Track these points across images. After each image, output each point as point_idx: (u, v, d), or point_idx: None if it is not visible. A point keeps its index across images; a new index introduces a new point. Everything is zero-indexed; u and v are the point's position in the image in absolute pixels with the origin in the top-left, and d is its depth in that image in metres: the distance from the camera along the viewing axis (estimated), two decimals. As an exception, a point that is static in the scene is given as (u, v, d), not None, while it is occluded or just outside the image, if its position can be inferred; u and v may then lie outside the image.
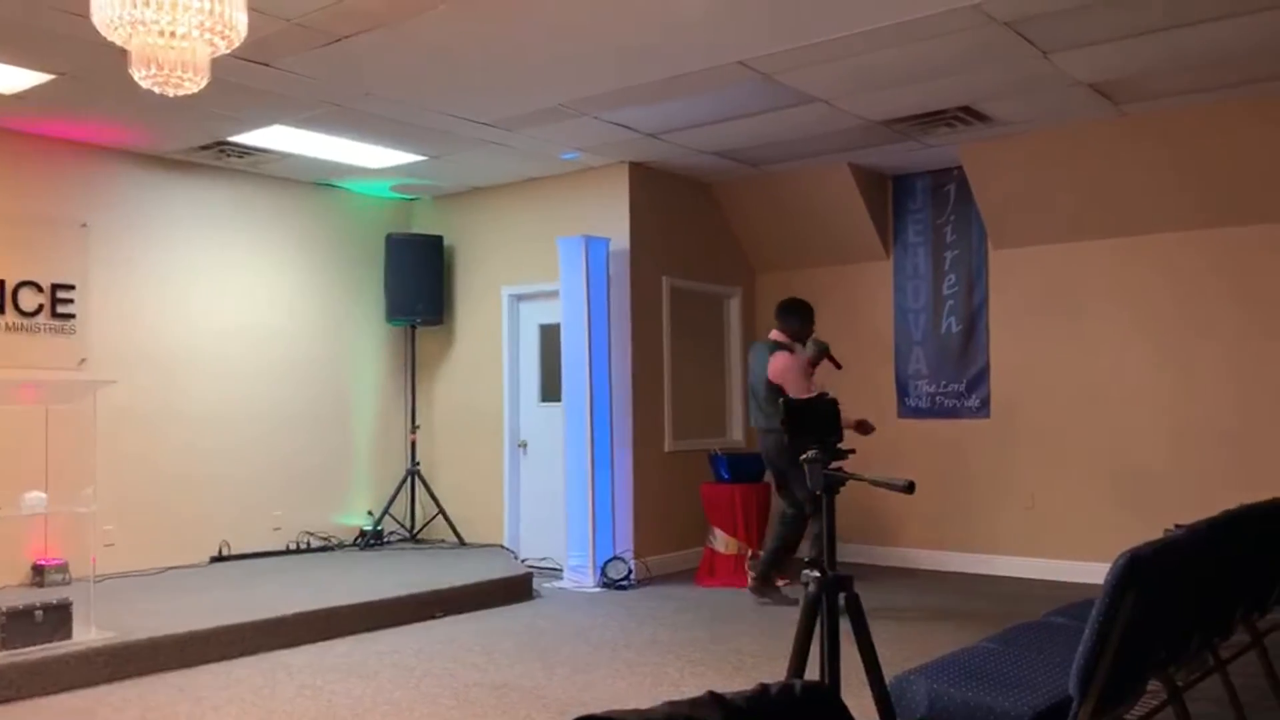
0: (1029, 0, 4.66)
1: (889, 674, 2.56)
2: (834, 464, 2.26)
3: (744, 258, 8.80)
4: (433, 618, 6.17)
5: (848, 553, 8.00)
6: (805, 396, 5.78)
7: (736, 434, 8.61)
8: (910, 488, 2.23)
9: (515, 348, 8.35)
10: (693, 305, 8.26)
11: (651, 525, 7.63)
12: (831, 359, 6.59)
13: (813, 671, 2.34)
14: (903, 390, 8.13)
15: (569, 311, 7.44)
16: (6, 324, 6.50)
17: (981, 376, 7.81)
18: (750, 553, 7.19)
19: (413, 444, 8.56)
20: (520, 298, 8.34)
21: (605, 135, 6.87)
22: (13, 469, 6.02)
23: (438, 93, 5.97)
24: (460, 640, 5.67)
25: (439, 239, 8.53)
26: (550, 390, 8.05)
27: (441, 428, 8.69)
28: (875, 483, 2.29)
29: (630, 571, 7.23)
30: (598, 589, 7.10)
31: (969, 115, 6.48)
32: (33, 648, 4.68)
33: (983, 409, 7.78)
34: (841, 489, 2.28)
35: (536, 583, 7.04)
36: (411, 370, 8.73)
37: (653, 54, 5.35)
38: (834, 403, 2.17)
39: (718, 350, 8.60)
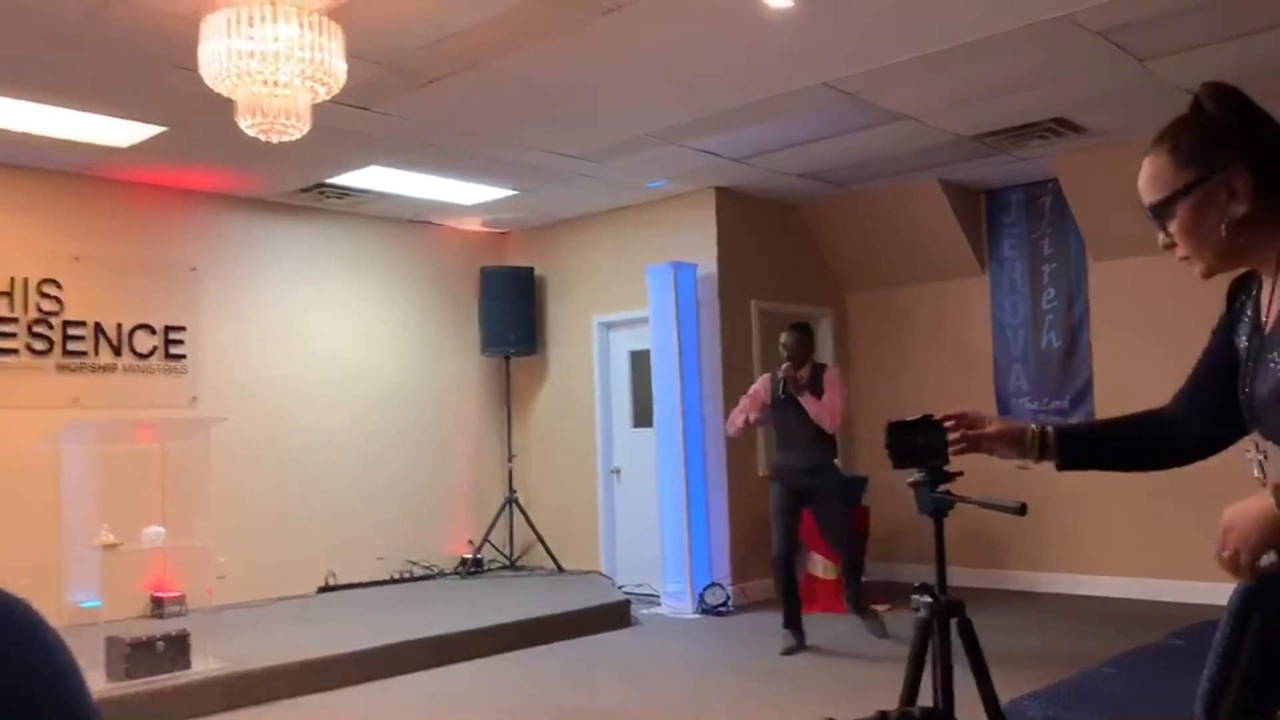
0: (1121, 8, 4.57)
1: (1003, 699, 2.50)
2: (941, 486, 2.23)
3: (833, 278, 8.74)
4: (533, 644, 6.21)
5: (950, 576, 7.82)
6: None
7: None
8: (1022, 509, 2.18)
9: (607, 375, 8.42)
10: (782, 327, 8.19)
11: (748, 550, 7.58)
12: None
13: (923, 698, 2.30)
14: (1004, 409, 7.95)
15: (659, 338, 7.47)
16: (124, 366, 6.80)
17: (1085, 392, 7.60)
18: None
19: (510, 472, 8.67)
20: (610, 326, 8.41)
21: (691, 162, 6.91)
22: (133, 505, 6.27)
23: (527, 128, 6.09)
24: (562, 667, 5.70)
25: (530, 270, 8.66)
26: (642, 416, 8.08)
27: (537, 456, 8.78)
28: (985, 505, 2.24)
29: (728, 598, 7.19)
30: (696, 615, 7.07)
31: (1062, 126, 6.35)
32: (155, 677, 4.85)
33: (1087, 425, 7.56)
34: (950, 512, 2.24)
35: (634, 609, 7.05)
36: (507, 400, 8.86)
37: (737, 80, 5.38)
38: (940, 424, 2.13)
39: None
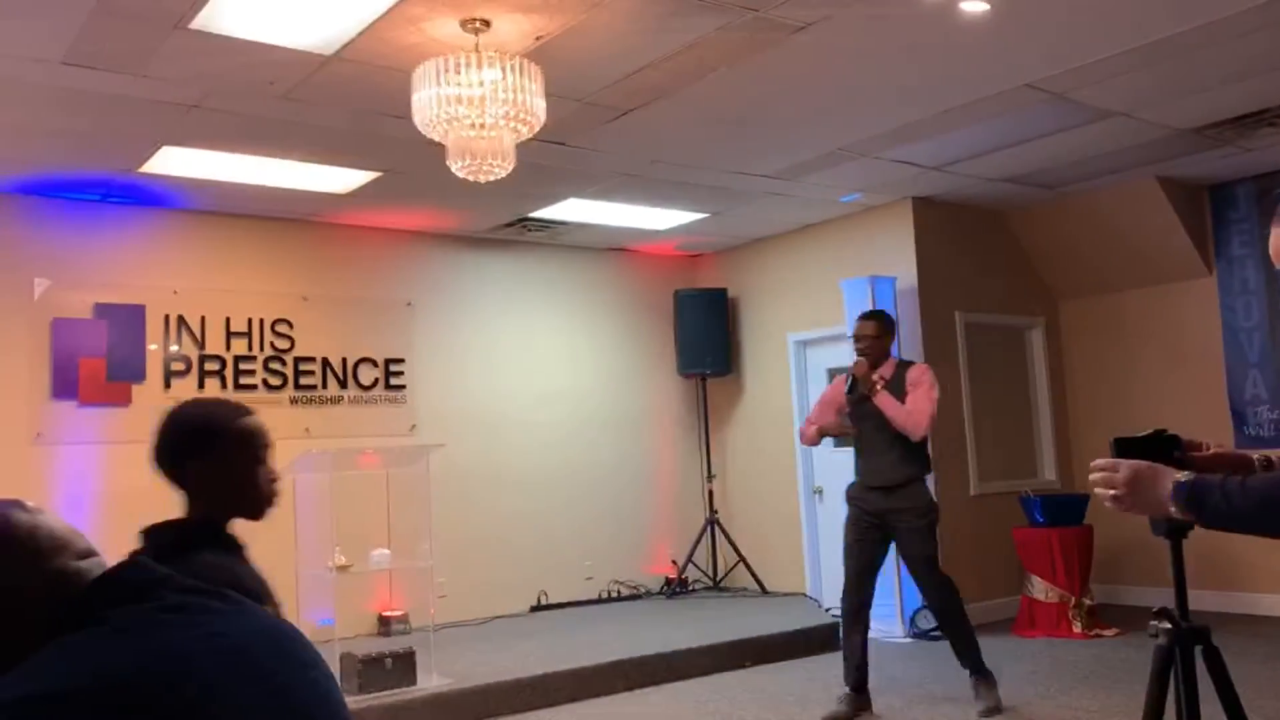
0: (1365, -23, 4.18)
1: (1259, 738, 2.30)
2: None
3: (1044, 286, 8.34)
4: (742, 667, 6.20)
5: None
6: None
7: (1048, 474, 8.10)
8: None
9: (804, 393, 8.32)
10: (990, 340, 7.91)
11: (961, 572, 7.24)
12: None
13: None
14: (1239, 418, 7.35)
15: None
16: (349, 397, 7.27)
17: (1335, 398, 6.93)
18: (1074, 600, 6.71)
19: (710, 493, 8.70)
20: (806, 343, 8.32)
21: (886, 173, 6.78)
22: (360, 529, 6.67)
23: (719, 152, 6.14)
24: (772, 690, 5.66)
25: (723, 291, 8.69)
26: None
27: (736, 476, 8.78)
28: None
29: (941, 620, 6.93)
30: (907, 639, 6.86)
31: (1297, 110, 5.85)
32: (383, 692, 5.13)
33: (1340, 435, 6.89)
34: (1190, 532, 2.09)
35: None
36: (704, 420, 8.91)
37: (933, 88, 5.24)
38: (1174, 439, 1.99)
39: (1021, 385, 8.16)
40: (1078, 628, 6.72)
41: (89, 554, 1.25)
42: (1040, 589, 6.92)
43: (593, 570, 8.16)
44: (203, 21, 4.05)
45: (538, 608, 7.82)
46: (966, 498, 7.48)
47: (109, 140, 5.41)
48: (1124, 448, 2.08)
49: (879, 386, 5.01)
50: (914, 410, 4.95)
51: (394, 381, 7.47)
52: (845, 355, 7.49)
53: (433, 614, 5.85)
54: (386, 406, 7.41)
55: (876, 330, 5.16)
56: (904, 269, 7.46)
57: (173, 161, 5.77)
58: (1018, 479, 7.81)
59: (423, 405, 7.57)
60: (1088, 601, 6.81)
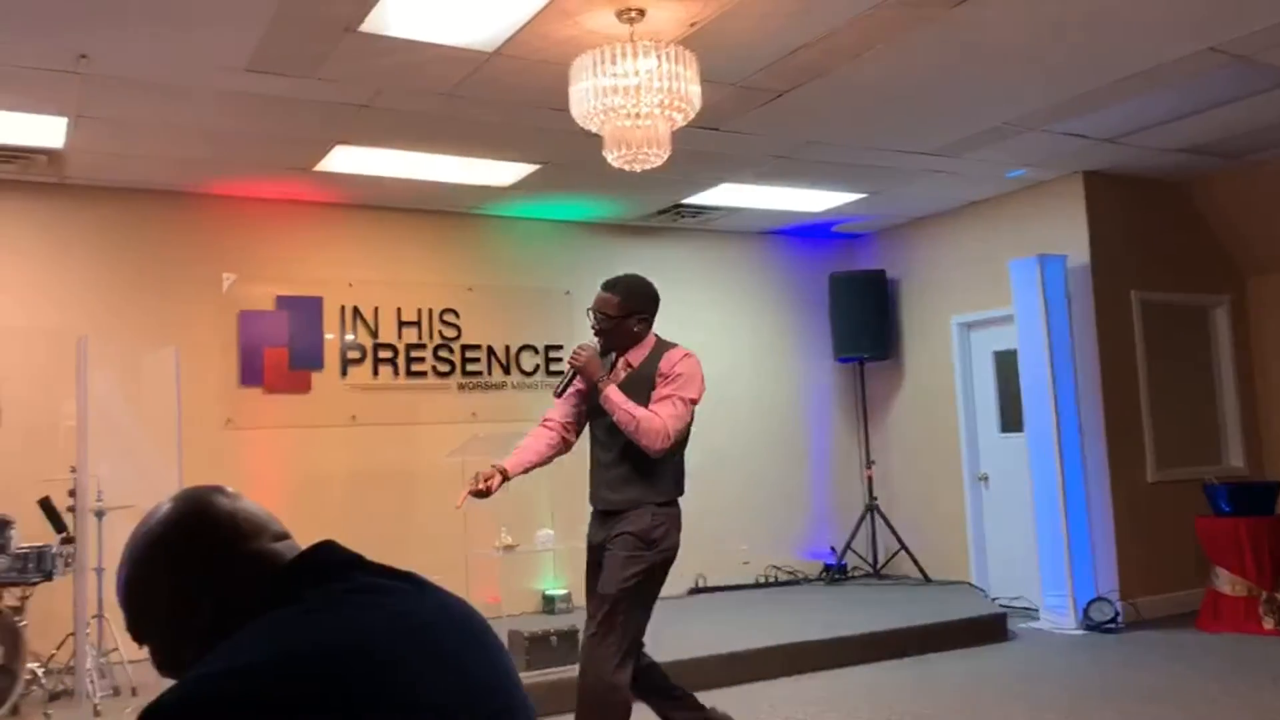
0: None
1: None
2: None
3: (1231, 261, 7.83)
4: (903, 656, 6.09)
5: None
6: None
7: (1235, 460, 7.62)
8: None
9: (969, 378, 8.08)
10: (1169, 319, 7.47)
11: (1138, 563, 6.96)
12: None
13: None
14: None
15: (1026, 336, 7.06)
16: (512, 383, 7.50)
17: None
18: (1265, 594, 6.31)
19: (869, 479, 8.56)
20: (971, 326, 8.07)
21: (1055, 147, 6.49)
22: (526, 510, 6.87)
23: (877, 130, 6.01)
24: (935, 680, 5.54)
25: (881, 273, 8.51)
26: (1010, 420, 7.67)
27: (897, 462, 8.60)
28: None
29: (1117, 613, 6.64)
30: (1080, 631, 6.59)
31: None
32: (549, 670, 5.28)
33: None
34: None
35: (1010, 623, 6.70)
36: (863, 406, 8.76)
37: (1106, 56, 4.99)
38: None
39: (1204, 367, 7.69)
40: (1268, 624, 6.32)
41: (283, 536, 1.34)
42: (1226, 582, 6.53)
43: (750, 555, 8.16)
44: (372, 24, 4.23)
45: (695, 590, 7.88)
46: (1143, 484, 7.11)
47: (287, 141, 5.72)
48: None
49: (605, 379, 3.69)
50: (646, 418, 3.57)
51: (554, 367, 7.64)
52: (1012, 338, 7.25)
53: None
54: (547, 391, 7.55)
55: (619, 308, 3.77)
56: (1074, 247, 7.13)
57: (346, 160, 6.06)
58: (1200, 465, 7.37)
59: (582, 391, 7.72)
60: (1280, 597, 6.39)
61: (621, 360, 3.78)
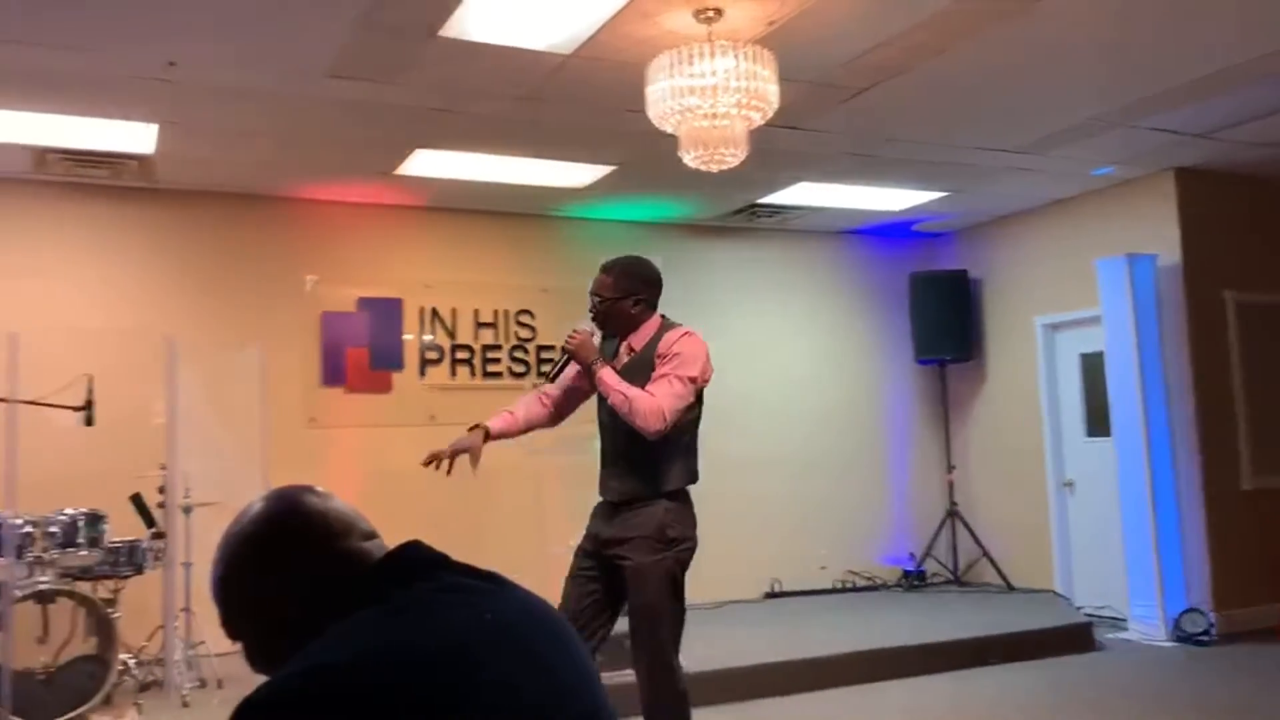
0: None
1: None
2: None
3: (1331, 260, 7.51)
4: (986, 663, 5.96)
5: None
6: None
7: (1337, 467, 7.31)
8: None
9: (1053, 381, 7.88)
10: (1266, 321, 7.19)
11: (1233, 574, 6.71)
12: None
13: None
14: None
15: (1114, 338, 6.86)
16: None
17: None
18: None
19: (950, 484, 8.40)
20: (1056, 327, 7.87)
21: (1144, 143, 6.29)
22: (598, 511, 6.88)
23: (958, 127, 5.89)
24: (1019, 690, 5.41)
25: (963, 273, 8.35)
26: (1097, 424, 7.45)
27: (979, 467, 8.43)
28: None
29: (1210, 625, 6.40)
30: (1170, 643, 6.38)
31: None
32: (620, 671, 5.25)
33: None
34: None
35: (1097, 633, 6.51)
36: (944, 408, 8.60)
37: (1200, 47, 4.81)
38: None
39: (1304, 370, 7.39)
40: (1375, 640, 6.05)
41: (372, 535, 1.35)
42: (1328, 595, 6.26)
43: (827, 560, 8.06)
44: (452, 29, 4.27)
45: (771, 595, 7.81)
46: (1238, 492, 6.86)
47: (369, 145, 5.81)
48: None
49: (599, 361, 3.53)
50: (639, 397, 3.38)
51: (629, 369, 7.65)
52: (1099, 340, 7.05)
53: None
54: (622, 393, 7.59)
55: (613, 289, 3.62)
56: (1165, 246, 6.91)
57: (425, 163, 6.13)
58: (1301, 474, 7.09)
59: (656, 392, 7.70)
60: None
61: (624, 345, 3.65)
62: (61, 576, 4.96)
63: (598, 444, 3.77)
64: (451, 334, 7.19)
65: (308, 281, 6.84)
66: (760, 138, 5.55)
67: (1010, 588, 7.83)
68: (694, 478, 3.66)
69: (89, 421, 4.94)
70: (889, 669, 5.74)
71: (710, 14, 4.17)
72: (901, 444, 8.57)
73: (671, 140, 4.42)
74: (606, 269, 3.69)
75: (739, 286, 8.13)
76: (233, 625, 1.32)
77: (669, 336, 3.55)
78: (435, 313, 7.16)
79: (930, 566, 8.21)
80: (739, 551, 7.78)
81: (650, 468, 3.48)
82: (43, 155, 5.74)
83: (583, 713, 1.23)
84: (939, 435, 8.62)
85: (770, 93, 4.11)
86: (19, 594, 4.75)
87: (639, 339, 3.61)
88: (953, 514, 8.27)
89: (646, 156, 6.04)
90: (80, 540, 5.03)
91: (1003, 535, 8.08)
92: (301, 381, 6.74)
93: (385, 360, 6.99)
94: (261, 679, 1.18)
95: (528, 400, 3.80)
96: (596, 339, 3.61)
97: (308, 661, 1.13)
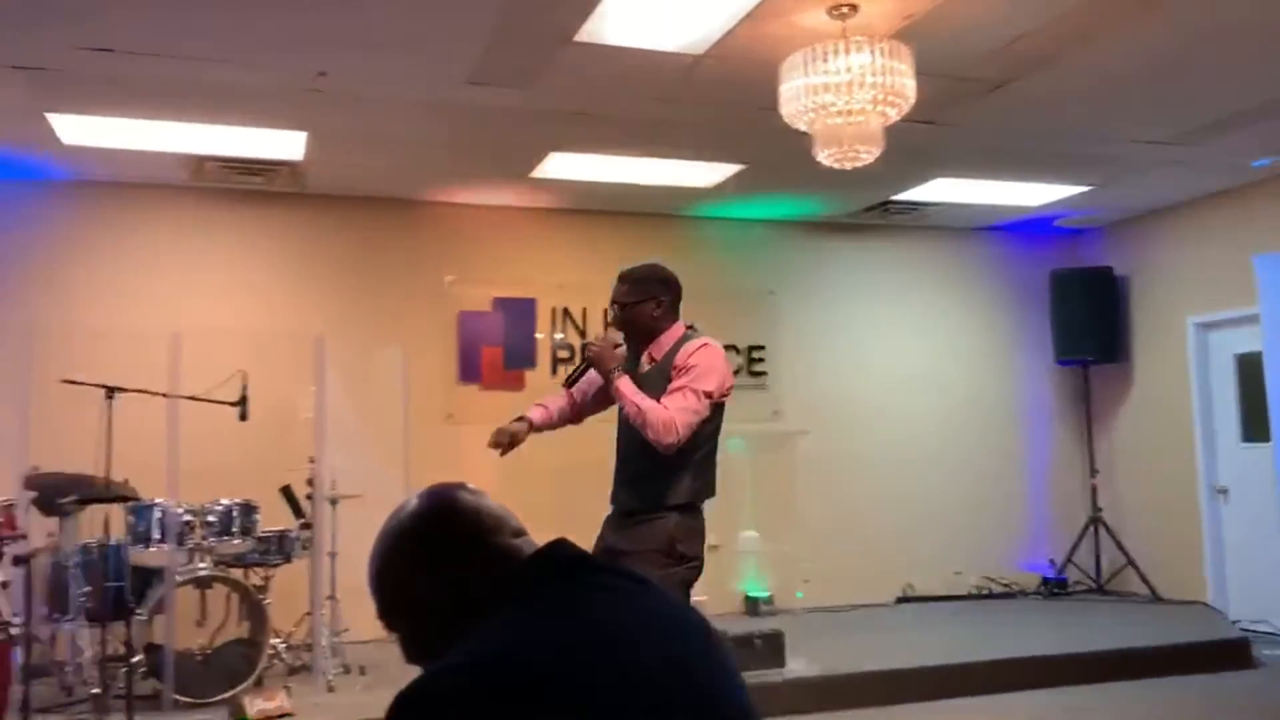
0: None
1: None
2: None
3: None
4: (1128, 679, 5.70)
5: None
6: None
7: None
8: None
9: (1206, 383, 7.49)
10: None
11: None
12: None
13: None
14: None
15: (1273, 338, 6.46)
16: (716, 384, 7.51)
17: None
18: None
19: (1093, 489, 8.08)
20: (1209, 326, 7.48)
21: (1311, 132, 5.92)
22: (730, 512, 6.86)
23: (1106, 119, 5.66)
24: (1167, 707, 5.17)
25: (1108, 271, 8.02)
26: (1254, 429, 7.05)
27: (1124, 472, 8.08)
28: None
29: (1382, 645, 6.00)
30: None
31: None
32: (752, 672, 5.25)
33: None
34: None
35: (1255, 649, 6.17)
36: (1087, 411, 8.27)
37: (1376, 28, 4.50)
38: None
39: None
40: None
41: (521, 533, 1.39)
42: None
43: (962, 565, 7.86)
44: (588, 34, 4.33)
45: (904, 599, 7.66)
46: None
47: (505, 149, 5.94)
48: None
49: (618, 371, 3.48)
50: (652, 409, 3.33)
51: (756, 368, 7.61)
52: (1257, 340, 6.67)
53: (798, 597, 5.90)
54: (750, 393, 7.55)
55: (632, 293, 3.57)
56: (1333, 240, 6.50)
57: (559, 166, 6.23)
58: None
59: (785, 392, 7.65)
60: None
61: (645, 354, 3.59)
62: (217, 563, 5.24)
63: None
64: (582, 333, 7.28)
65: (446, 282, 7.04)
66: (896, 133, 5.43)
67: (1158, 598, 7.49)
68: (708, 492, 3.56)
69: (243, 416, 5.19)
70: (1026, 679, 5.55)
71: (844, 10, 4.11)
72: (1040, 447, 8.28)
73: (802, 138, 4.38)
74: (623, 277, 3.67)
75: (871, 284, 8.00)
76: (388, 618, 1.36)
77: (687, 347, 3.49)
78: (567, 312, 7.28)
79: (1071, 574, 7.91)
80: (870, 554, 7.66)
81: (658, 480, 3.43)
82: (200, 163, 6.06)
83: (728, 715, 1.24)
84: (1081, 439, 8.29)
85: (907, 88, 4.04)
86: (180, 579, 5.03)
87: (659, 348, 3.57)
88: (1096, 520, 7.94)
89: (777, 154, 5.99)
90: (235, 529, 5.30)
91: (1149, 543, 7.72)
92: (439, 379, 6.94)
93: (519, 359, 7.14)
94: (413, 670, 1.22)
95: (556, 396, 3.85)
96: (621, 351, 3.58)
97: (460, 657, 1.16)
